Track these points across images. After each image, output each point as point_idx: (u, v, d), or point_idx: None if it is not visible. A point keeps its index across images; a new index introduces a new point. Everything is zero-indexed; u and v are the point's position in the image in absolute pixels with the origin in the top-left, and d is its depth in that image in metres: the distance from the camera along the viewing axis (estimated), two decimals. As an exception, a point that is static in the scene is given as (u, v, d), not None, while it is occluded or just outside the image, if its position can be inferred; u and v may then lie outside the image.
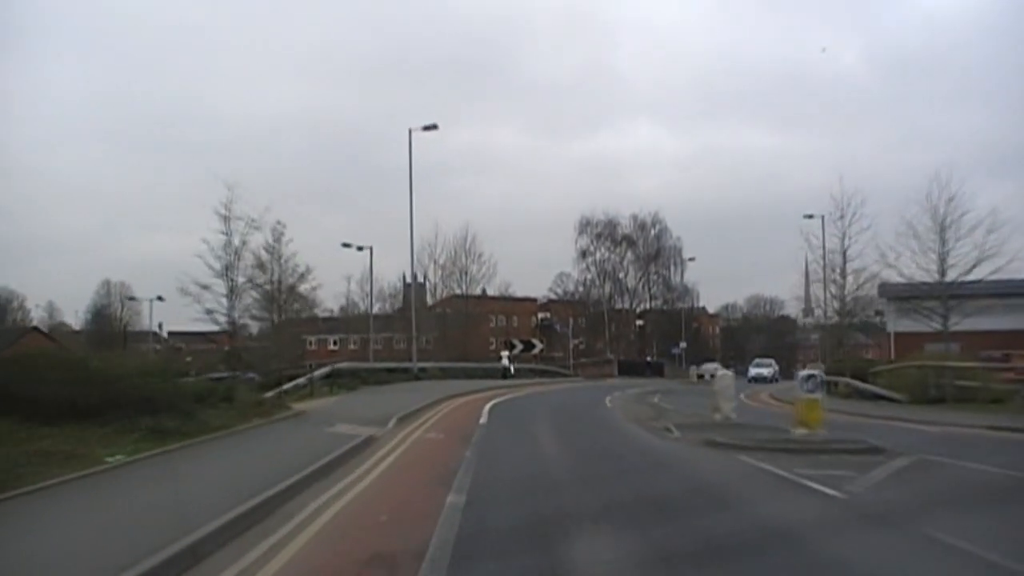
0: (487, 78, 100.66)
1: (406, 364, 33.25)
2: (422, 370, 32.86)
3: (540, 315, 77.99)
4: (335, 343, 69.03)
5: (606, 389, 34.64)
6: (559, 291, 75.50)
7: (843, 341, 37.70)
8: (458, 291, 54.86)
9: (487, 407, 20.45)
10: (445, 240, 55.34)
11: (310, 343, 78.46)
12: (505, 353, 42.94)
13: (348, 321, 59.83)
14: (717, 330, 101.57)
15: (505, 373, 40.73)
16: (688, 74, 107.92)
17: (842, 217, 30.92)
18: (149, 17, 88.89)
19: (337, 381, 25.85)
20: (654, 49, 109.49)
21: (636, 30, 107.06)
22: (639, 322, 70.38)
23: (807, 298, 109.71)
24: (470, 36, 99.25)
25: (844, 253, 31.15)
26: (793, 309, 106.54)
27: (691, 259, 63.56)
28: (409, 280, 54.36)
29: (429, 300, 58.14)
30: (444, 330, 55.44)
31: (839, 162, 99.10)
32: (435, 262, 54.08)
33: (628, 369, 55.12)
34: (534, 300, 79.28)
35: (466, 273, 55.31)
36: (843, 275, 31.56)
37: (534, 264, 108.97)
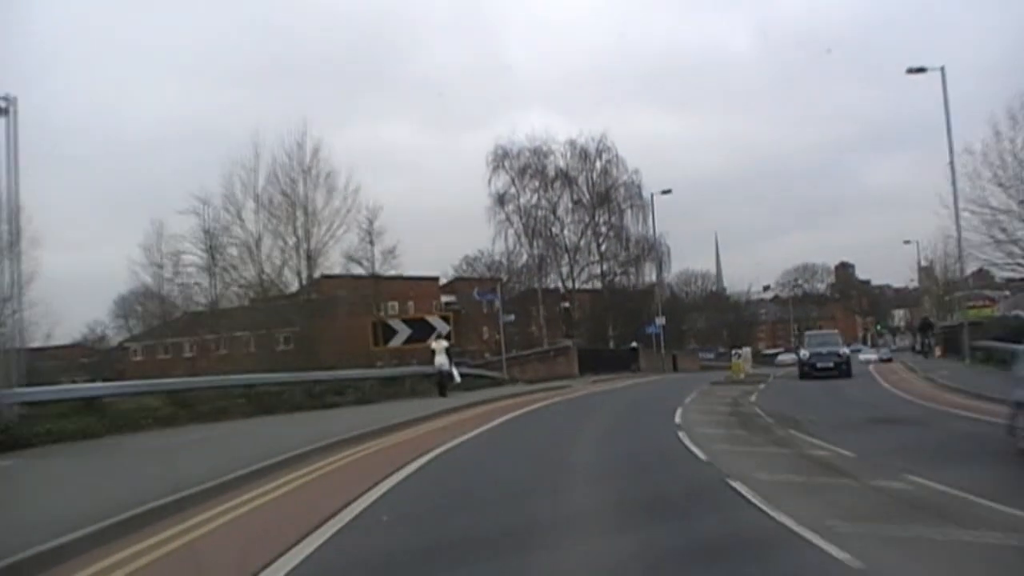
0: (374, 75, 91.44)
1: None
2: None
3: (445, 299, 58.23)
4: (166, 350, 50.28)
5: (620, 410, 15.08)
6: (471, 273, 55.62)
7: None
8: (291, 242, 31.79)
9: None
10: (274, 160, 31.33)
11: (135, 352, 59.28)
12: (443, 344, 21.96)
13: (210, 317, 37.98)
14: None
15: (443, 384, 21.33)
16: (581, 62, 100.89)
17: None
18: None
19: None
20: (544, 38, 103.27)
21: (524, 20, 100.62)
22: (564, 304, 50.46)
23: (719, 276, 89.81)
24: (355, 33, 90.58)
25: None
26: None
27: (665, 192, 43.06)
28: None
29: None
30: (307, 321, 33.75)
31: (735, 143, 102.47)
32: (256, 198, 31.19)
33: (594, 361, 35.01)
34: (435, 279, 59.15)
35: (308, 210, 31.91)
36: None
37: (442, 262, 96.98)
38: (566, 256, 48.81)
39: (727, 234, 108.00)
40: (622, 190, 47.70)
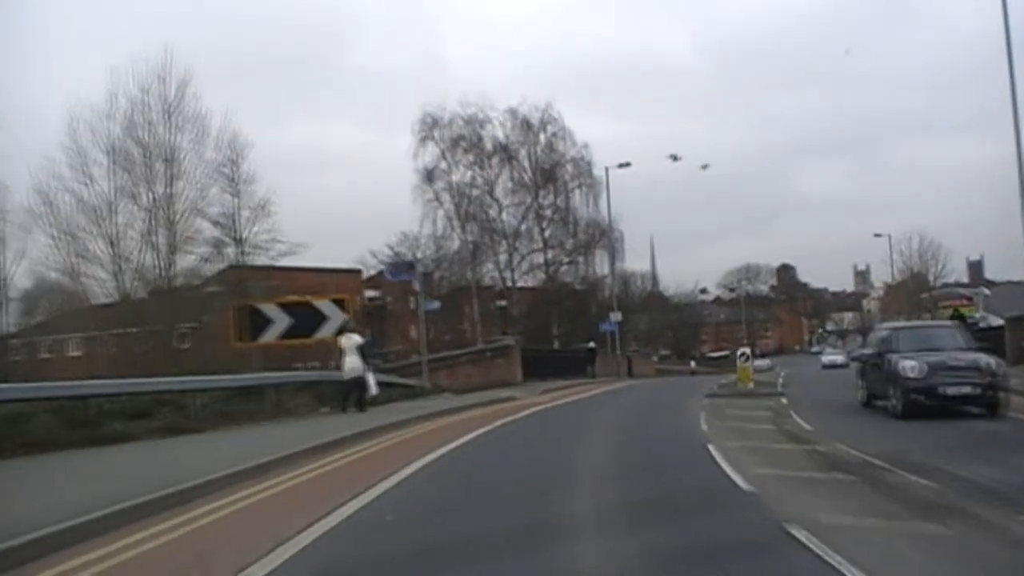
0: (316, 73, 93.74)
1: None
2: None
3: (369, 293, 51.37)
4: (49, 349, 42.79)
5: (609, 456, 9.69)
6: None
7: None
8: (145, 200, 23.83)
9: None
10: (131, 102, 23.68)
11: (15, 351, 51.73)
12: (354, 340, 15.67)
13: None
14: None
15: (347, 396, 15.54)
16: (521, 63, 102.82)
17: None
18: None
19: None
20: (484, 39, 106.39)
21: (465, 20, 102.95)
22: (501, 302, 44.08)
23: (654, 277, 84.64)
24: (297, 31, 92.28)
25: None
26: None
27: (623, 165, 36.72)
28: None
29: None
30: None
31: (670, 146, 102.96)
32: (111, 150, 23.25)
33: (539, 364, 28.66)
34: (357, 272, 52.25)
35: (171, 161, 23.13)
36: None
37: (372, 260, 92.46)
38: (504, 243, 42.30)
39: (661, 236, 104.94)
40: (569, 167, 41.64)
